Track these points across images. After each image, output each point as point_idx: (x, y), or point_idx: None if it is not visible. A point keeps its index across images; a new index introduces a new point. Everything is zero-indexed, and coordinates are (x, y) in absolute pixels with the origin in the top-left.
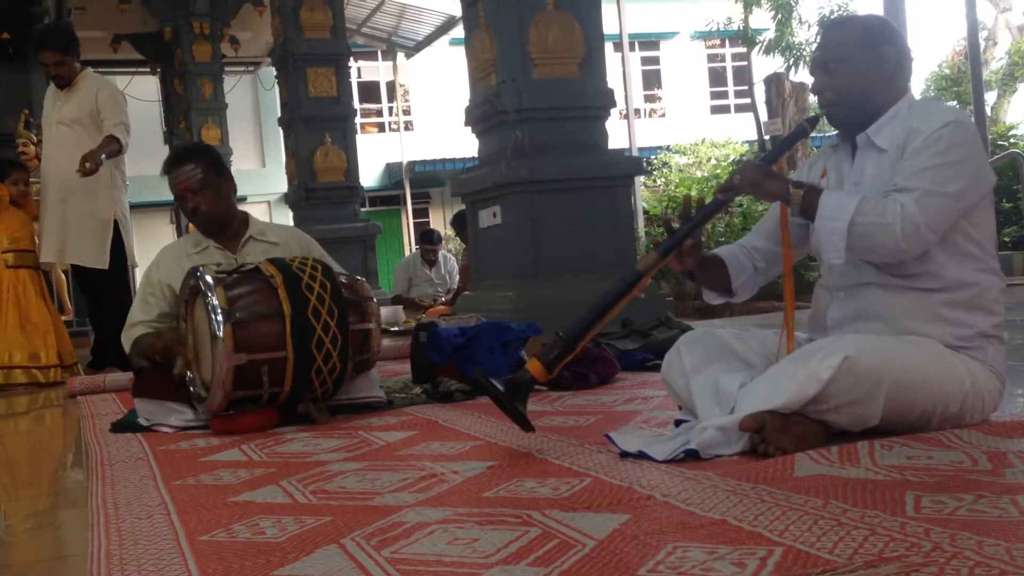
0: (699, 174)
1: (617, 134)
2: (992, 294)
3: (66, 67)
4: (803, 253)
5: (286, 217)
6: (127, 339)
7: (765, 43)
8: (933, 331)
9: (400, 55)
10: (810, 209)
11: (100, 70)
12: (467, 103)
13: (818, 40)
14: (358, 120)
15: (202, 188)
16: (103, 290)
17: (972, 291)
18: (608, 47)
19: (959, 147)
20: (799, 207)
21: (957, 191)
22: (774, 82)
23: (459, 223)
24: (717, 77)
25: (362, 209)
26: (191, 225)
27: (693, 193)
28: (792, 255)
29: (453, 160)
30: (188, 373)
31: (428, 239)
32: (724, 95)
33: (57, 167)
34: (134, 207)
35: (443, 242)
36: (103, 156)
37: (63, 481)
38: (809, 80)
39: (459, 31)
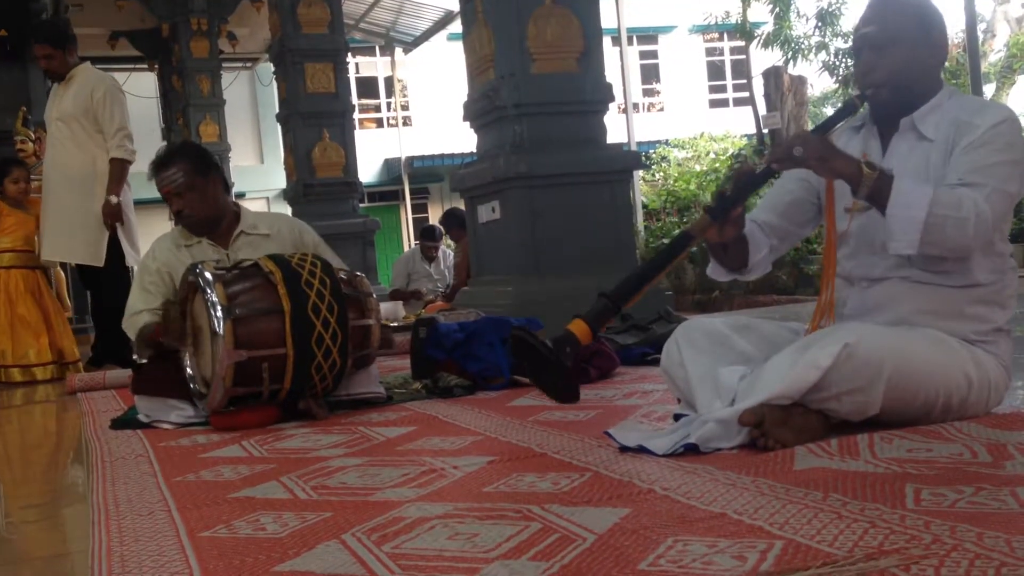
0: (698, 168)
1: (615, 128)
2: (1010, 289)
3: (57, 61)
4: (806, 234)
5: (285, 213)
6: (131, 327)
7: (763, 37)
8: (954, 327)
9: (398, 50)
10: (881, 195)
11: (98, 67)
12: (465, 98)
13: (868, 15)
14: (356, 116)
15: (186, 191)
16: (104, 288)
17: (995, 287)
18: (606, 41)
19: (1016, 146)
20: (868, 190)
21: (1015, 191)
22: (772, 76)
23: (448, 221)
24: (715, 71)
25: (361, 205)
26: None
27: (692, 187)
28: (835, 234)
29: (452, 155)
30: (188, 348)
31: (429, 235)
32: (722, 89)
33: (55, 164)
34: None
35: (444, 238)
36: (116, 198)
37: (64, 478)
38: (807, 73)
39: (457, 26)
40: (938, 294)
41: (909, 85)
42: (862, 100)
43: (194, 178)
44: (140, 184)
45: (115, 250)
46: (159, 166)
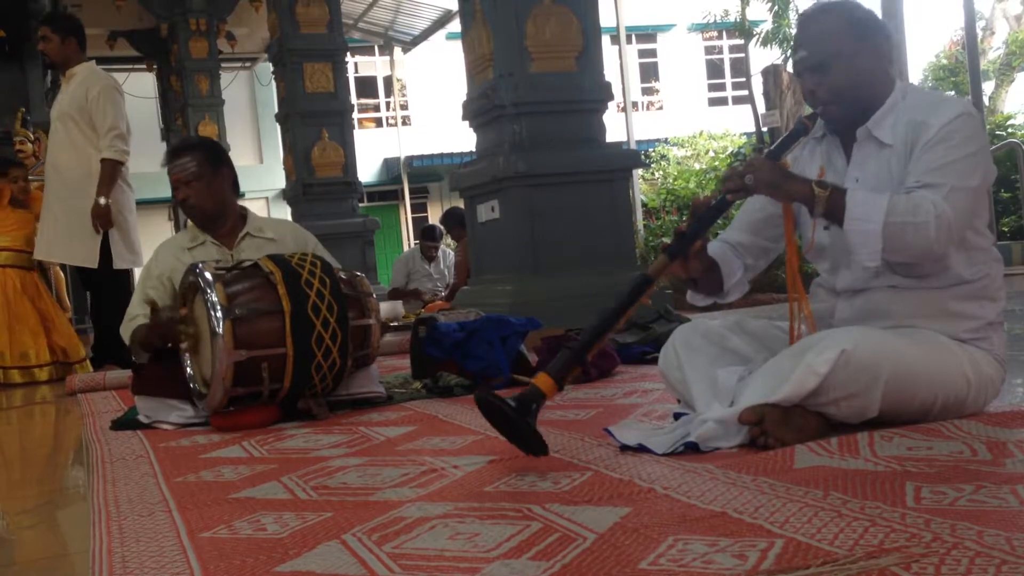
0: (697, 167)
1: (615, 127)
2: (997, 282)
3: (52, 45)
4: (782, 248)
5: (284, 213)
6: (126, 331)
7: (762, 35)
8: (943, 327)
9: (397, 50)
10: (837, 211)
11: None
12: (464, 97)
13: (799, 39)
14: (355, 115)
15: (194, 180)
16: (102, 289)
17: (981, 283)
18: (605, 40)
19: (973, 139)
20: (823, 208)
21: (977, 186)
22: (771, 74)
23: (449, 220)
24: (714, 69)
25: (360, 204)
26: (190, 220)
27: (691, 185)
28: (795, 253)
29: (451, 155)
30: (185, 344)
31: (430, 235)
32: (721, 87)
33: (53, 164)
34: None
35: (444, 237)
36: (105, 199)
37: (64, 479)
38: None
39: (456, 25)
40: (925, 296)
41: (857, 95)
42: (812, 120)
43: (204, 168)
44: (139, 184)
45: (106, 254)
46: (173, 153)
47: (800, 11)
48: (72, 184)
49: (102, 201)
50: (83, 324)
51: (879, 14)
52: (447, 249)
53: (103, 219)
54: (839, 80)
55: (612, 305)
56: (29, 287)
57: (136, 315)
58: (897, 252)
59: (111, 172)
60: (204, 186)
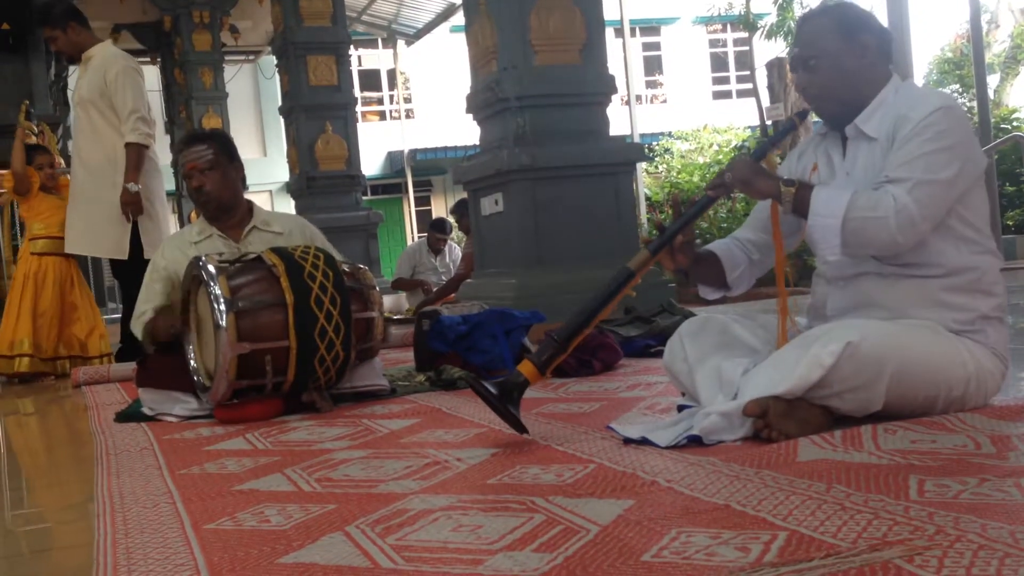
0: (701, 160)
1: (618, 120)
2: (991, 276)
3: (61, 42)
4: (796, 243)
5: (288, 206)
6: (136, 326)
7: (767, 28)
8: (934, 316)
9: (400, 43)
10: (802, 206)
11: None
12: (468, 90)
13: (795, 36)
14: (359, 108)
15: (210, 169)
16: (130, 280)
17: (972, 275)
18: (609, 33)
19: (949, 133)
20: (791, 205)
21: (949, 178)
22: (776, 67)
23: (460, 211)
24: (718, 62)
25: (364, 197)
26: (193, 214)
27: (695, 179)
28: (784, 251)
29: (455, 148)
30: (190, 336)
31: (440, 227)
32: (726, 80)
33: (77, 153)
34: None
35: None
36: (135, 185)
37: (69, 471)
38: None
39: (459, 18)
40: (914, 285)
41: (847, 91)
42: (802, 117)
43: (220, 158)
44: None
45: (137, 243)
46: (189, 141)
47: (804, 4)
48: (96, 173)
49: (131, 187)
50: None
51: (884, 8)
52: (454, 244)
53: (134, 206)
54: (825, 77)
55: (594, 296)
56: (62, 276)
57: (144, 310)
58: (861, 246)
59: (137, 156)
60: (220, 175)
